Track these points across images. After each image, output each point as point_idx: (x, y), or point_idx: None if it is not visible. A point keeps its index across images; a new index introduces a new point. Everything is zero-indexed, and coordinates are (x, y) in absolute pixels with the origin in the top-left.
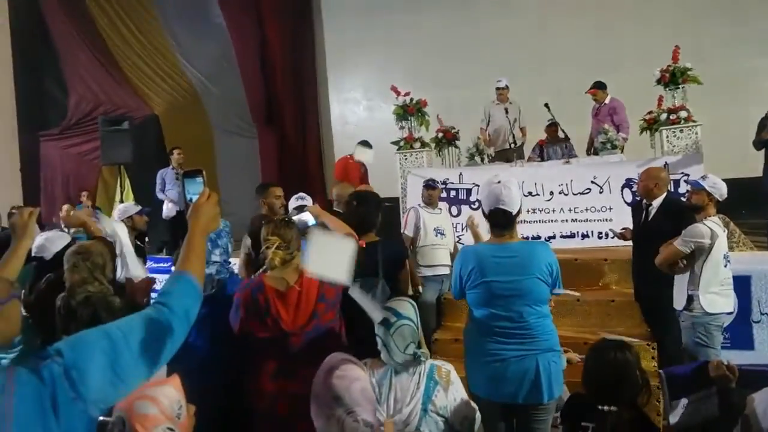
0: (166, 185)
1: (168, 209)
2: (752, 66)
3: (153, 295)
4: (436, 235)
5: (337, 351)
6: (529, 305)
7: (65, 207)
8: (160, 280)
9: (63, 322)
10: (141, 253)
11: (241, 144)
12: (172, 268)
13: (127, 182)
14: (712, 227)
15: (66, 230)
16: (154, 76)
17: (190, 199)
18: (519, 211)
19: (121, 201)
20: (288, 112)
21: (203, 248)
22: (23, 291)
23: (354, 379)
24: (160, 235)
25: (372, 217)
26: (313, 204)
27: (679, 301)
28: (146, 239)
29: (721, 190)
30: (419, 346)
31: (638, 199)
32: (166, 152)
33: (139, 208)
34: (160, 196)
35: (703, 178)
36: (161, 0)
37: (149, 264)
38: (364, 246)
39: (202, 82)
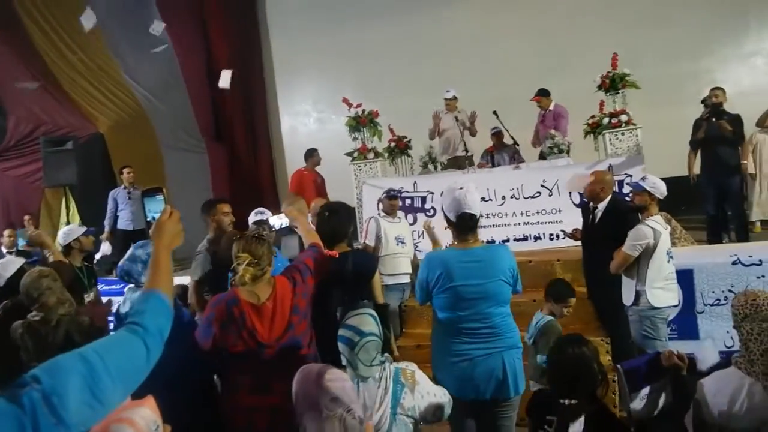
0: (119, 205)
1: (105, 248)
2: (684, 70)
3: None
4: (397, 244)
5: (310, 362)
6: (493, 306)
7: (6, 232)
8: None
9: (34, 347)
10: (91, 275)
11: (191, 160)
12: (125, 289)
13: (73, 204)
14: (654, 226)
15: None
16: (99, 94)
17: (152, 218)
18: (480, 215)
19: (68, 223)
20: (237, 126)
21: (169, 265)
22: None
23: (344, 379)
24: (109, 256)
25: (344, 228)
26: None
27: (627, 298)
28: (94, 261)
29: (660, 189)
30: (383, 352)
31: (585, 201)
32: (112, 171)
33: (84, 229)
34: (106, 224)
35: (643, 179)
36: (103, 19)
37: (100, 286)
38: (336, 256)
39: (149, 98)
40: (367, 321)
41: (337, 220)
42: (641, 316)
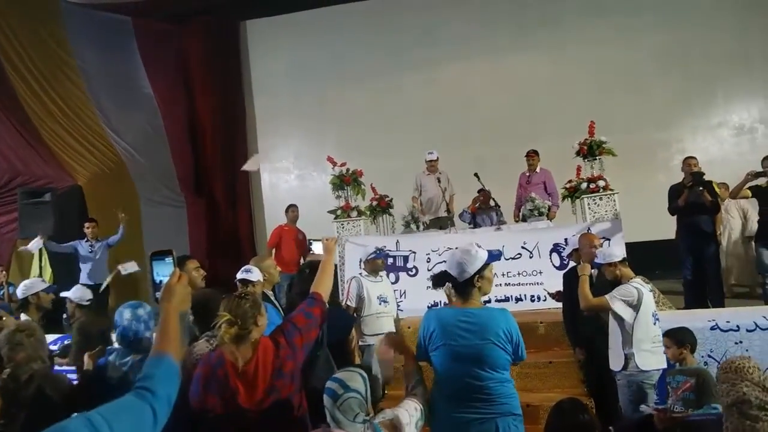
0: (80, 258)
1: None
2: (655, 138)
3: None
4: (380, 304)
5: (295, 424)
6: (486, 370)
7: None
8: None
9: (4, 404)
10: (57, 330)
11: (169, 214)
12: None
13: (45, 256)
14: (638, 287)
15: None
16: (79, 146)
17: (160, 281)
18: (473, 277)
19: (40, 275)
20: (217, 181)
21: (178, 328)
22: None
23: None
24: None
25: None
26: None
27: (615, 363)
28: (65, 316)
29: (611, 256)
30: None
31: (566, 263)
32: None
33: (45, 285)
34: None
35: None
36: (88, 71)
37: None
38: None
39: (129, 152)
40: (355, 378)
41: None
42: (629, 381)
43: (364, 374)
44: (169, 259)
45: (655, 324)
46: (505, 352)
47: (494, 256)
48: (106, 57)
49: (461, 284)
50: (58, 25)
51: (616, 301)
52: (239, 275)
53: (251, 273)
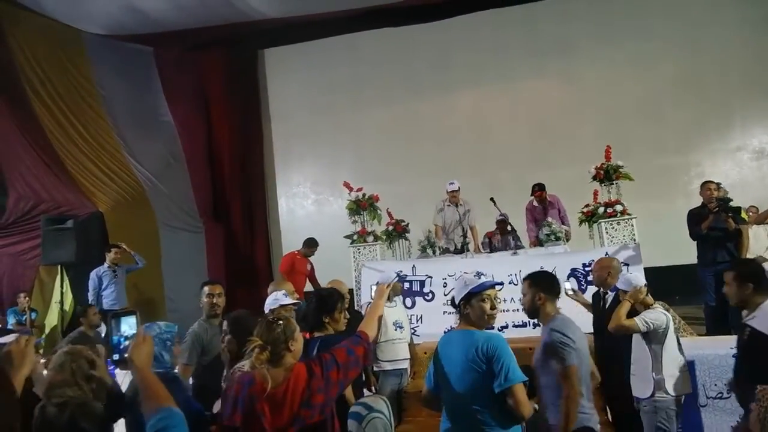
0: (103, 283)
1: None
2: (673, 162)
3: None
4: (395, 329)
5: None
6: (471, 394)
7: None
8: None
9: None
10: None
11: (188, 239)
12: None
13: (67, 282)
14: (665, 313)
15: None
16: (101, 174)
17: (130, 335)
18: (460, 302)
19: (61, 301)
20: (235, 207)
21: (157, 379)
22: None
23: None
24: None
25: (316, 316)
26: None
27: (643, 390)
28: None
29: (631, 283)
30: None
31: (584, 288)
32: None
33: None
34: (93, 303)
35: None
36: (110, 100)
37: None
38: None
39: (149, 178)
40: (379, 401)
41: (315, 307)
42: (657, 407)
43: (386, 400)
44: (133, 319)
45: (679, 350)
46: (480, 373)
47: (485, 285)
48: (128, 85)
49: (456, 307)
50: (80, 55)
51: (643, 324)
52: (284, 301)
53: (287, 297)
